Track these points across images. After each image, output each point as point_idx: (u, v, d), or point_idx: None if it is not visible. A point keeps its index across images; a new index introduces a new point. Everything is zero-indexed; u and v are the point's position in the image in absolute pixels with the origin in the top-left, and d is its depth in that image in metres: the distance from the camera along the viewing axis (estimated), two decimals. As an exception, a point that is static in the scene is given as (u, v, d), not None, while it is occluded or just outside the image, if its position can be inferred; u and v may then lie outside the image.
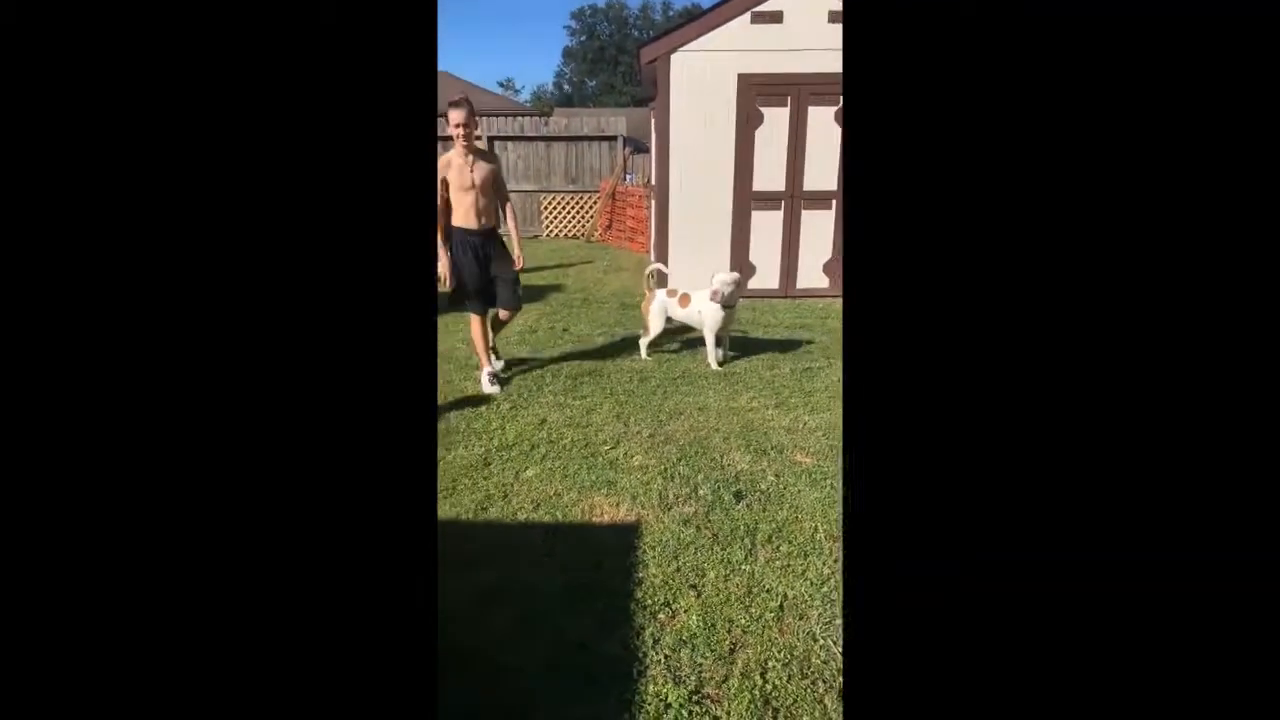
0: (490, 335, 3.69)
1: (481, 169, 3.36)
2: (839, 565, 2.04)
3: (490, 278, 3.52)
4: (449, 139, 3.38)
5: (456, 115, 3.22)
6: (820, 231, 5.70)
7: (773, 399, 3.45)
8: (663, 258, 5.83)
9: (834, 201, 5.61)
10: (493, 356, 3.72)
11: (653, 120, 6.05)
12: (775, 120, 5.43)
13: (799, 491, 2.48)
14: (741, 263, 5.76)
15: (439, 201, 3.38)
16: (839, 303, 5.67)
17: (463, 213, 3.40)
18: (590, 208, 9.70)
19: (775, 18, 5.22)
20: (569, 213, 9.82)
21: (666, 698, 1.52)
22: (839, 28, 5.22)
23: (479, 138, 3.54)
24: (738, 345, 4.36)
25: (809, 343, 4.50)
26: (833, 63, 5.26)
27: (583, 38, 39.27)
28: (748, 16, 5.22)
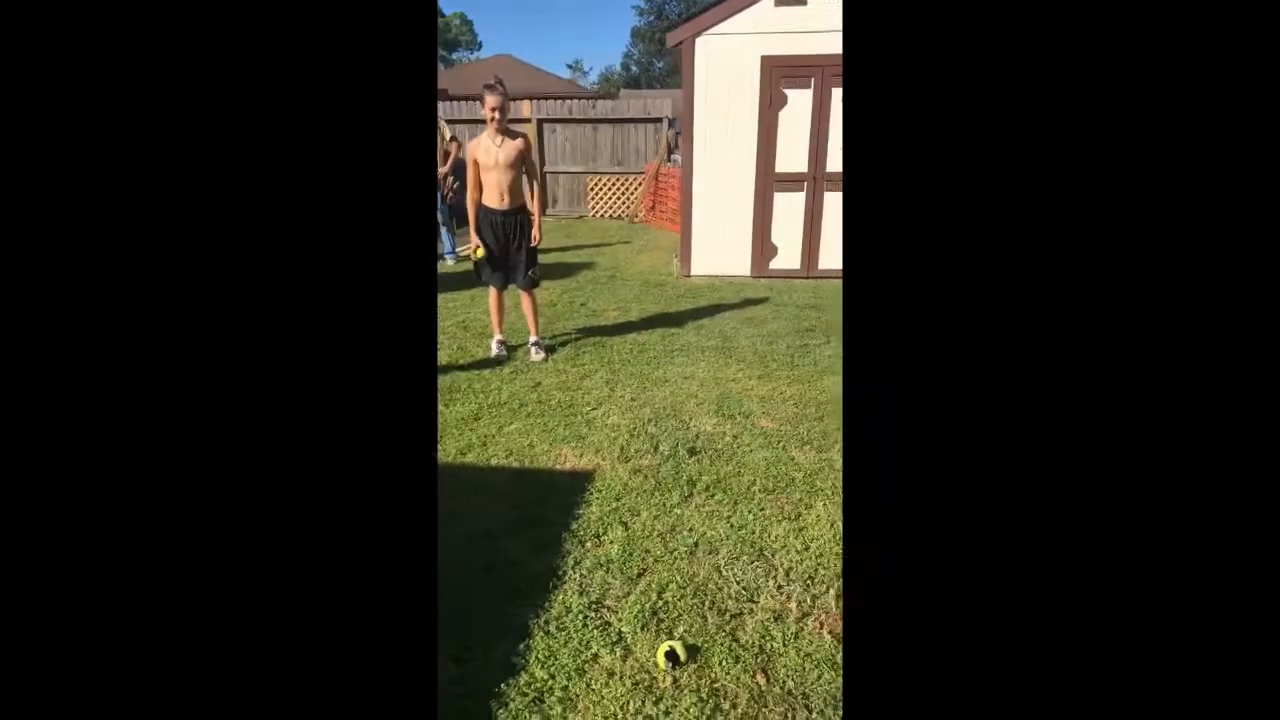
0: (531, 321, 3.94)
1: (508, 148, 3.61)
2: (763, 512, 2.25)
3: (510, 255, 3.81)
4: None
5: (491, 100, 3.51)
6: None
7: (759, 371, 3.63)
8: (688, 238, 6.02)
9: (856, 183, 5.65)
10: (504, 328, 4.03)
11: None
12: (798, 102, 5.51)
13: (751, 451, 2.69)
14: (764, 243, 5.89)
15: (470, 180, 3.69)
16: (859, 284, 5.71)
17: (488, 191, 3.70)
18: (635, 189, 9.92)
19: (799, 0, 5.28)
20: (614, 193, 10.07)
21: (570, 605, 1.79)
22: (863, 8, 5.23)
23: (511, 120, 3.77)
24: (745, 321, 4.54)
25: (814, 324, 4.63)
26: (856, 44, 5.28)
27: (651, 18, 39.17)
28: (771, 0, 5.30)
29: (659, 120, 9.76)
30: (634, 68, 40.51)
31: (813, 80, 5.43)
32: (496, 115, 3.53)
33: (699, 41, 5.47)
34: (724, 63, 5.48)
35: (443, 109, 8.64)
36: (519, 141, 3.65)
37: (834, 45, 5.31)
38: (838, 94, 5.45)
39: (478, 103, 9.95)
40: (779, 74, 5.45)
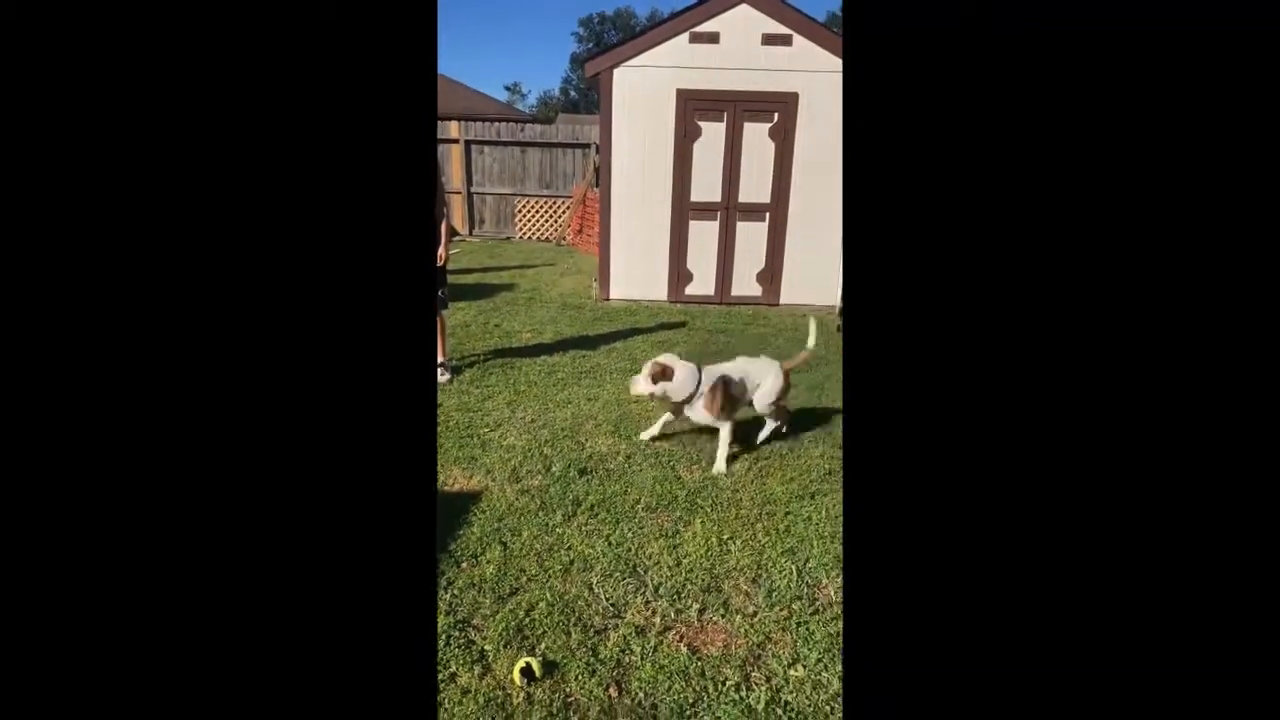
0: (439, 342, 3.91)
1: None
2: (642, 530, 2.31)
3: None
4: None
5: None
6: (754, 242, 5.97)
7: (661, 393, 3.72)
8: (606, 262, 6.12)
9: (767, 214, 5.89)
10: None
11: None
12: (712, 135, 5.72)
13: (640, 470, 2.75)
14: (680, 270, 6.05)
15: None
16: (767, 310, 5.94)
17: None
18: (563, 212, 10.01)
19: (712, 38, 5.52)
20: (542, 216, 10.14)
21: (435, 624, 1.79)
22: (771, 49, 5.52)
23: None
24: (656, 345, 4.64)
25: (722, 348, 4.77)
26: (766, 82, 5.55)
27: (590, 45, 39.81)
28: (686, 36, 5.52)
29: (587, 145, 9.91)
30: (573, 93, 40.96)
31: (725, 114, 5.66)
32: None
33: (617, 72, 5.63)
34: (641, 94, 5.65)
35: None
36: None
37: (745, 82, 5.56)
38: (749, 128, 5.69)
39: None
40: (694, 107, 5.65)
